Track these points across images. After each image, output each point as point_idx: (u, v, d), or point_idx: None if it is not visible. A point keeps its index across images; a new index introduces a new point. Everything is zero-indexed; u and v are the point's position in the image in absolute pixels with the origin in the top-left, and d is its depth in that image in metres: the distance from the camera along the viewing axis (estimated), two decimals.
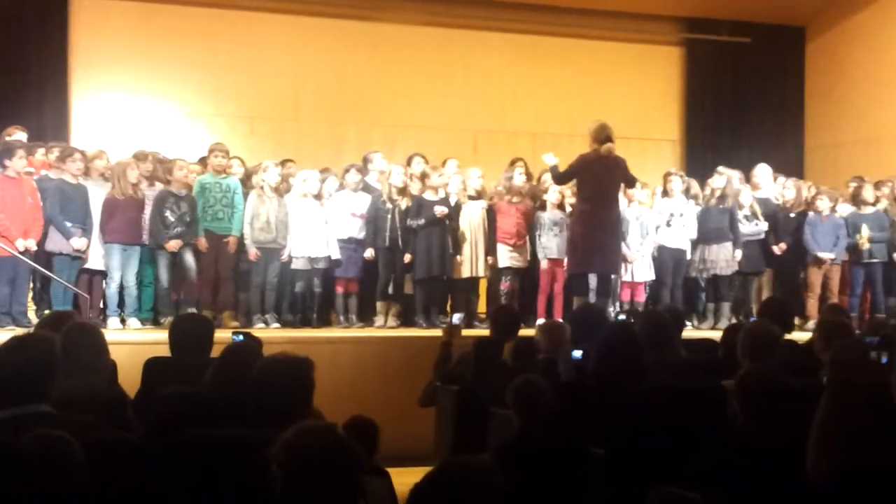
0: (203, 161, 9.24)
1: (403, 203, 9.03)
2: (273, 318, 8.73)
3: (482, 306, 9.56)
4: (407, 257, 8.97)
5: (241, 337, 5.32)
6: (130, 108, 11.92)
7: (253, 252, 8.69)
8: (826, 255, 9.50)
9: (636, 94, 13.96)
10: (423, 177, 9.26)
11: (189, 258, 8.54)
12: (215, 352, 5.05)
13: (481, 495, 2.49)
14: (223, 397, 4.10)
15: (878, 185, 9.93)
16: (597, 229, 8.41)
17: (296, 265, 8.87)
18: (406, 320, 9.05)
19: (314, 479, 2.70)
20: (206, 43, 12.28)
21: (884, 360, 3.98)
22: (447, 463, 2.57)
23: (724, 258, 9.44)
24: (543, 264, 9.10)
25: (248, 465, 3.32)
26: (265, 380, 3.75)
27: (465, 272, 9.18)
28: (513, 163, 9.79)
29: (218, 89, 12.33)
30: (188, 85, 12.23)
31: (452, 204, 9.13)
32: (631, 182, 8.88)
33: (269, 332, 8.06)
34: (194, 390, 4.43)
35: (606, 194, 8.48)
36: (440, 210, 8.84)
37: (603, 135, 8.44)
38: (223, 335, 5.86)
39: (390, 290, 9.13)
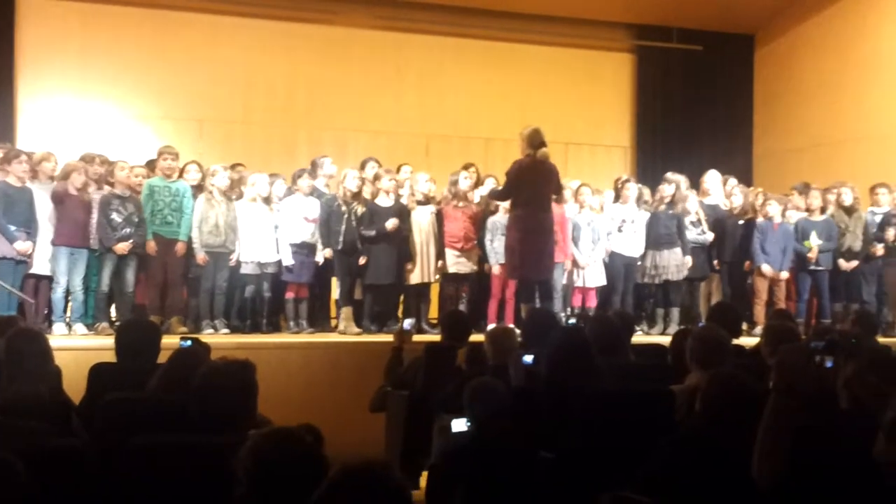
0: (151, 164, 9.13)
1: (359, 209, 8.98)
2: (222, 324, 8.65)
3: (433, 311, 9.54)
4: (362, 260, 8.93)
5: (188, 342, 5.26)
6: (78, 110, 11.77)
7: (201, 256, 8.61)
8: (766, 270, 9.60)
9: (588, 101, 14.07)
10: (376, 179, 9.23)
11: (129, 274, 8.44)
12: (163, 357, 4.99)
13: (383, 498, 2.48)
14: (169, 403, 4.06)
15: (825, 192, 10.05)
16: (532, 234, 8.42)
17: (245, 270, 8.81)
18: (356, 325, 8.99)
19: (282, 485, 2.67)
20: (156, 45, 12.16)
21: (829, 364, 4.02)
22: (348, 466, 2.55)
23: (675, 264, 9.51)
24: (495, 269, 9.10)
25: (194, 471, 3.28)
26: (207, 385, 3.72)
27: (416, 278, 9.15)
28: (465, 167, 9.80)
29: (166, 92, 12.20)
30: (136, 87, 12.08)
31: (403, 206, 9.10)
32: (559, 191, 8.92)
33: (218, 338, 7.99)
34: (140, 396, 4.39)
35: (541, 199, 8.50)
36: (392, 223, 8.82)
37: (537, 140, 8.48)
38: (171, 341, 5.80)
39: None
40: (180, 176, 8.85)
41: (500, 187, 8.91)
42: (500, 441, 4.20)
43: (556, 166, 8.67)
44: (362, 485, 2.47)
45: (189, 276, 8.79)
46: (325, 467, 2.75)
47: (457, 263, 9.21)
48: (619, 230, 9.52)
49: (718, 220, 9.94)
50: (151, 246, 8.52)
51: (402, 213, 9.08)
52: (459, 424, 4.78)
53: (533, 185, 8.46)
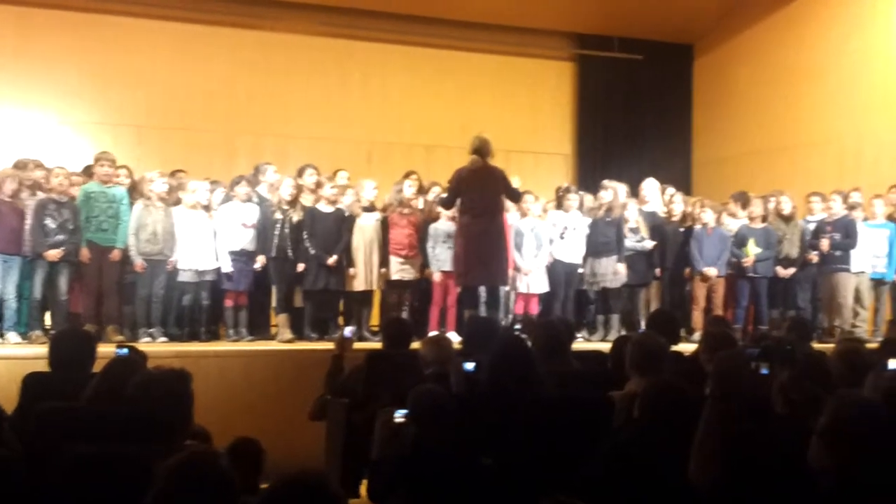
0: (88, 170, 8.98)
1: (295, 215, 8.92)
2: (159, 332, 8.53)
3: (375, 319, 9.50)
4: (300, 266, 8.88)
5: (124, 351, 5.20)
6: (14, 116, 11.57)
7: (139, 263, 8.48)
8: (709, 271, 9.71)
9: (530, 108, 14.17)
10: (318, 187, 9.18)
11: (62, 282, 8.29)
12: (99, 366, 4.91)
13: None
14: (103, 413, 3.99)
15: (764, 200, 10.19)
16: (477, 241, 8.44)
17: (183, 277, 8.70)
18: (296, 333, 8.93)
19: None
20: (93, 50, 12.00)
21: (764, 371, 4.09)
22: (283, 479, 2.53)
23: (613, 271, 9.58)
24: (436, 276, 9.09)
25: (126, 482, 3.23)
26: (141, 394, 3.66)
27: (360, 285, 9.11)
28: (407, 175, 9.78)
29: (104, 97, 12.04)
30: (73, 93, 11.91)
31: (346, 215, 9.07)
32: (514, 196, 8.94)
33: (156, 346, 7.88)
34: (73, 406, 4.31)
35: (484, 205, 8.51)
36: (332, 260, 8.82)
37: (472, 147, 8.55)
38: (107, 349, 5.71)
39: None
40: (115, 182, 8.69)
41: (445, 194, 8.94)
42: (442, 447, 4.20)
43: (500, 170, 8.69)
44: (298, 497, 2.45)
45: (125, 283, 8.65)
46: (234, 492, 2.73)
47: (400, 270, 9.19)
48: (562, 237, 9.57)
49: (657, 228, 10.04)
50: (85, 253, 8.36)
51: (343, 220, 9.03)
52: (469, 365, 4.81)
53: (472, 192, 8.48)
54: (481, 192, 8.49)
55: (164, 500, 2.66)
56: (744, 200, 10.28)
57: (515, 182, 8.89)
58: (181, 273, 8.69)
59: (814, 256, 9.91)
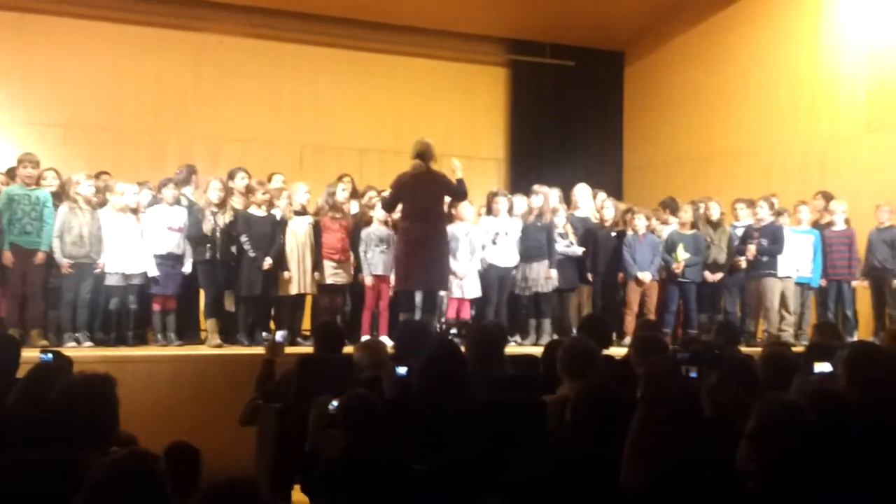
0: (11, 172, 8.78)
1: (225, 217, 8.80)
2: (85, 337, 8.35)
3: (307, 323, 9.43)
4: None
5: (49, 356, 5.08)
6: None
7: (65, 263, 8.29)
8: (644, 276, 9.81)
9: (463, 113, 14.21)
10: (249, 191, 9.08)
11: None
12: (22, 372, 4.80)
13: None
14: (26, 419, 3.89)
15: (693, 206, 10.33)
16: (417, 246, 8.46)
17: (110, 281, 8.53)
18: (227, 337, 8.82)
19: None
20: (17, 49, 11.74)
21: (693, 374, 4.13)
22: (214, 486, 2.50)
23: (544, 275, 9.63)
24: (368, 280, 9.06)
25: (52, 489, 3.16)
26: (64, 400, 3.59)
27: (293, 289, 9.03)
28: (340, 178, 9.73)
29: (29, 97, 11.78)
30: None
31: (278, 218, 8.98)
32: (460, 194, 8.92)
33: (81, 351, 7.72)
34: None
35: (424, 210, 8.52)
36: (267, 263, 8.72)
37: (416, 152, 8.57)
38: (31, 354, 5.60)
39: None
40: (37, 184, 8.51)
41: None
42: (374, 453, 4.17)
43: (442, 174, 8.69)
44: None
45: (50, 287, 8.46)
46: (166, 496, 2.67)
47: (333, 275, 9.13)
48: (494, 242, 9.59)
49: (589, 233, 10.12)
50: (8, 256, 8.17)
51: (276, 225, 8.94)
52: (401, 370, 4.79)
53: (412, 197, 8.49)
54: (423, 198, 8.50)
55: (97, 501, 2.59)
56: (672, 207, 10.41)
57: (455, 164, 8.83)
58: (108, 277, 8.53)
59: (742, 262, 10.08)
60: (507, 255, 9.61)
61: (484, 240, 9.58)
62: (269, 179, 9.76)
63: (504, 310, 9.69)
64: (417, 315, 8.65)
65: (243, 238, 8.75)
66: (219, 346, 8.56)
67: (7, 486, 3.29)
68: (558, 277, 9.73)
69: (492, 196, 9.93)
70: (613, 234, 10.13)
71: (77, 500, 2.61)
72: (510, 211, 9.84)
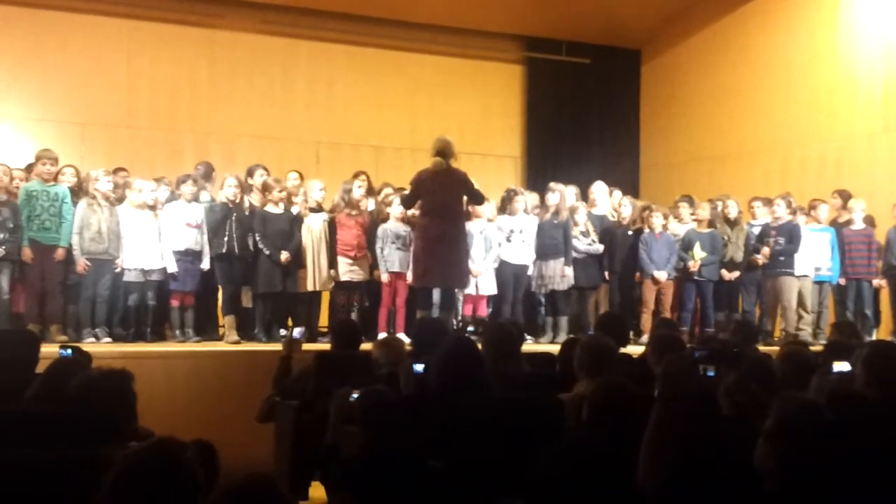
0: (30, 168, 8.83)
1: (240, 214, 8.83)
2: (104, 332, 8.40)
3: (324, 320, 9.45)
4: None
5: (68, 351, 5.12)
6: None
7: (81, 263, 8.35)
8: (660, 275, 9.79)
9: (479, 111, 14.18)
10: (265, 189, 9.11)
11: (3, 281, 8.14)
12: (42, 367, 4.83)
13: None
14: (46, 414, 3.92)
15: (710, 204, 10.31)
16: (436, 243, 8.46)
17: (128, 277, 8.58)
18: (244, 334, 8.85)
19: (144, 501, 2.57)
20: (36, 46, 11.78)
21: (711, 373, 4.12)
22: (232, 483, 2.50)
23: (560, 273, 9.62)
24: (385, 277, 9.06)
25: (66, 485, 3.17)
26: (82, 395, 3.60)
27: (308, 286, 9.06)
28: (356, 176, 9.75)
29: (47, 94, 11.84)
30: (15, 88, 11.69)
31: (294, 214, 9.01)
32: (477, 199, 8.95)
33: (100, 347, 7.75)
34: (16, 407, 4.22)
35: (443, 208, 8.53)
36: (284, 256, 8.76)
37: (435, 149, 8.56)
38: (50, 350, 5.62)
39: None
40: (56, 180, 8.56)
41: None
42: (390, 450, 4.18)
43: (462, 172, 8.69)
44: (248, 501, 2.43)
45: (69, 283, 8.51)
46: (197, 484, 2.64)
47: (349, 272, 9.14)
48: (508, 240, 9.58)
49: (607, 231, 10.10)
50: (27, 253, 8.23)
51: (293, 222, 8.97)
52: (418, 367, 4.82)
53: (432, 194, 8.49)
54: (443, 195, 8.50)
55: (124, 493, 2.58)
56: (689, 203, 10.40)
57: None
58: (127, 273, 8.58)
59: (759, 259, 10.03)
60: (522, 253, 9.60)
61: (499, 237, 9.57)
62: (286, 177, 9.78)
63: (520, 307, 9.67)
64: (435, 312, 8.65)
65: (258, 236, 8.78)
66: (236, 342, 8.59)
67: (25, 482, 3.31)
68: (580, 275, 9.72)
69: (511, 194, 9.89)
70: (630, 232, 10.12)
71: (103, 493, 2.58)
72: (526, 208, 9.83)
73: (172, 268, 8.68)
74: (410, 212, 9.03)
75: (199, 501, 2.64)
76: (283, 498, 2.48)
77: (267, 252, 8.78)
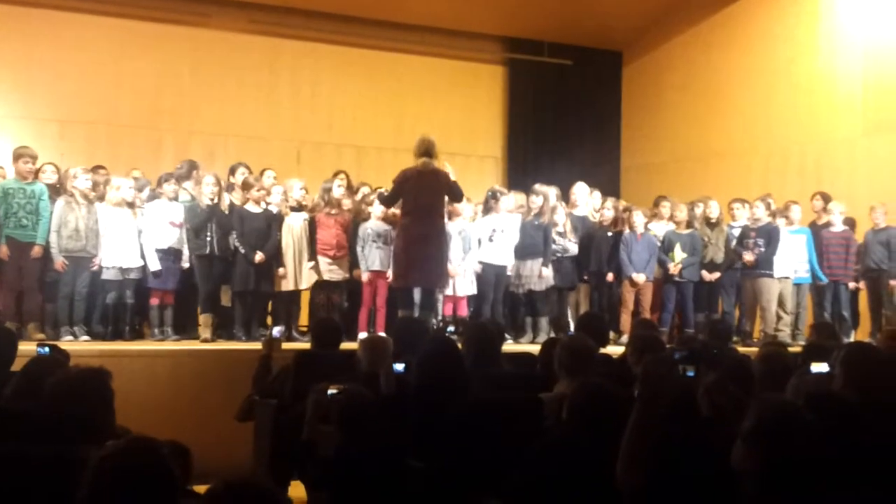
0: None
1: (220, 212, 8.81)
2: (82, 331, 8.35)
3: (303, 319, 9.43)
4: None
5: (46, 349, 5.08)
6: None
7: (59, 261, 8.30)
8: (638, 278, 9.81)
9: (461, 111, 14.20)
10: (245, 187, 9.08)
11: None
12: (19, 365, 4.80)
13: None
14: (21, 412, 3.89)
15: (690, 206, 10.34)
16: (418, 242, 8.44)
17: (107, 276, 8.53)
18: (224, 333, 8.81)
19: (123, 500, 2.56)
20: (16, 43, 11.73)
21: (690, 373, 4.13)
22: (228, 483, 2.48)
23: (538, 274, 9.63)
24: (365, 277, 9.05)
25: (41, 483, 3.15)
26: (58, 393, 3.57)
27: (288, 285, 9.04)
28: (336, 175, 9.73)
29: (27, 91, 11.77)
30: None
31: (274, 213, 8.99)
32: (457, 195, 8.93)
33: (78, 345, 7.71)
34: None
35: (427, 207, 8.51)
36: (259, 257, 8.74)
37: (422, 149, 8.52)
38: (28, 348, 5.59)
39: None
40: (36, 177, 8.50)
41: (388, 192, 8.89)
42: (367, 450, 4.17)
43: (444, 172, 8.68)
44: (245, 500, 2.41)
45: (47, 280, 8.46)
46: (175, 482, 2.63)
47: (329, 271, 9.12)
48: (490, 240, 9.58)
49: (587, 232, 10.12)
50: (3, 250, 8.18)
51: (272, 221, 8.95)
52: (399, 367, 4.79)
53: (416, 194, 8.46)
54: (428, 195, 8.48)
55: (100, 492, 2.56)
56: (670, 201, 10.44)
57: (448, 168, 8.83)
58: (105, 271, 8.53)
59: (748, 256, 10.00)
60: (503, 253, 9.60)
61: (480, 236, 9.57)
62: (262, 175, 9.76)
63: (500, 307, 9.68)
64: (415, 312, 8.64)
65: (233, 235, 8.75)
66: (208, 340, 8.55)
67: (1, 479, 3.28)
68: (556, 276, 9.72)
69: (497, 194, 9.86)
70: (610, 233, 10.13)
71: (81, 491, 2.57)
72: (510, 208, 9.84)
73: (155, 266, 8.64)
74: (391, 210, 9.01)
75: (176, 499, 2.63)
76: (280, 499, 2.47)
77: (242, 251, 8.76)
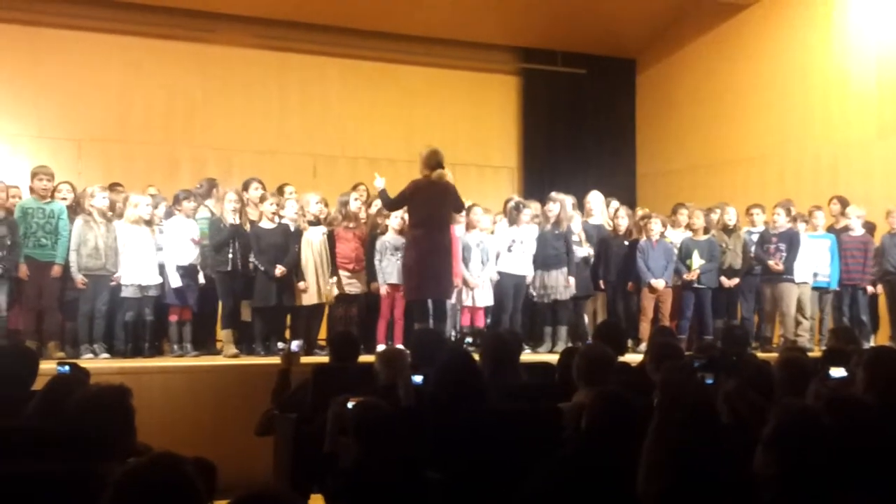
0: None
1: (243, 228, 8.85)
2: (102, 348, 8.39)
3: (323, 332, 9.44)
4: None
5: (66, 368, 5.09)
6: None
7: (79, 279, 8.34)
8: (657, 283, 9.79)
9: (475, 122, 14.20)
10: (261, 201, 9.12)
11: (1, 298, 8.14)
12: (40, 384, 4.82)
13: None
14: (44, 430, 3.91)
15: (708, 212, 10.32)
16: (430, 254, 8.43)
17: (126, 293, 8.57)
18: (244, 348, 8.84)
19: None
20: (31, 62, 11.80)
21: (709, 381, 4.12)
22: (250, 492, 2.49)
23: (563, 283, 9.63)
24: (383, 290, 9.06)
25: (71, 501, 3.16)
26: (80, 411, 3.59)
27: (311, 299, 9.04)
28: (355, 188, 9.76)
29: (43, 110, 11.84)
30: (10, 105, 11.70)
31: (292, 229, 9.01)
32: (459, 207, 8.95)
33: (98, 363, 7.74)
34: (14, 424, 4.21)
35: (438, 219, 8.51)
36: (279, 271, 8.77)
37: (434, 161, 8.51)
38: (48, 366, 5.60)
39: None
40: (52, 196, 8.56)
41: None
42: (386, 462, 4.17)
43: (453, 185, 8.68)
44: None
45: (66, 299, 8.51)
46: (199, 498, 2.63)
47: (348, 284, 9.14)
48: (509, 250, 9.58)
49: (603, 240, 10.11)
50: (23, 269, 8.22)
51: (289, 234, 8.97)
52: (417, 378, 4.82)
53: (428, 206, 8.45)
54: (439, 207, 8.49)
55: None
56: (688, 208, 10.41)
57: (448, 176, 8.82)
58: (124, 289, 8.57)
59: (773, 263, 9.96)
60: (521, 263, 9.60)
61: (498, 247, 9.57)
62: (281, 191, 9.79)
63: (519, 317, 9.67)
64: (430, 324, 8.64)
65: (251, 254, 8.78)
66: (235, 355, 8.57)
67: (23, 497, 3.30)
68: (574, 284, 9.72)
69: (520, 205, 9.86)
70: (626, 242, 10.12)
71: None
72: (530, 219, 9.84)
73: (176, 283, 8.67)
74: (397, 216, 8.99)
75: None
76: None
77: (262, 268, 8.79)
